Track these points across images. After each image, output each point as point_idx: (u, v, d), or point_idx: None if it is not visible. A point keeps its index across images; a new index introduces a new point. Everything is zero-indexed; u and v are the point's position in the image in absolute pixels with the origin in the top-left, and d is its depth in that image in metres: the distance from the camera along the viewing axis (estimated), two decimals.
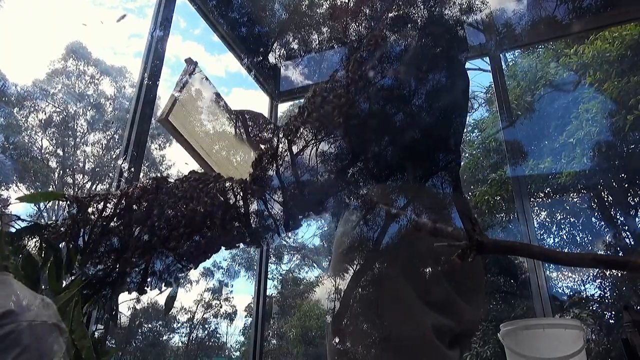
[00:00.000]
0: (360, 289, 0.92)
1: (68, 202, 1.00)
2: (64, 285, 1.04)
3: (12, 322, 1.00)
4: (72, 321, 1.02)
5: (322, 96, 0.81)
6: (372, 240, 0.91)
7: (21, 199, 1.21)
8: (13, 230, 1.06)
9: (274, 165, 0.82)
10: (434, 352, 0.90)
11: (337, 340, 0.93)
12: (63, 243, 1.03)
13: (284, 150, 0.87)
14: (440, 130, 1.04)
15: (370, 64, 0.83)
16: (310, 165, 0.83)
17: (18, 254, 1.04)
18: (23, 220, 1.07)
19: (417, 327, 0.89)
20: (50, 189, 15.75)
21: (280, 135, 0.86)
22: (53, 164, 16.35)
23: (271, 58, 4.29)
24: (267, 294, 3.81)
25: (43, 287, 1.05)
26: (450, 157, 1.10)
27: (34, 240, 1.05)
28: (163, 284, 0.97)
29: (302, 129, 0.81)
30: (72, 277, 1.07)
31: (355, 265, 0.94)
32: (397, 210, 0.88)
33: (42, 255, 1.03)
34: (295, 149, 0.87)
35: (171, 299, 1.08)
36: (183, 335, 19.30)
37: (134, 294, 1.06)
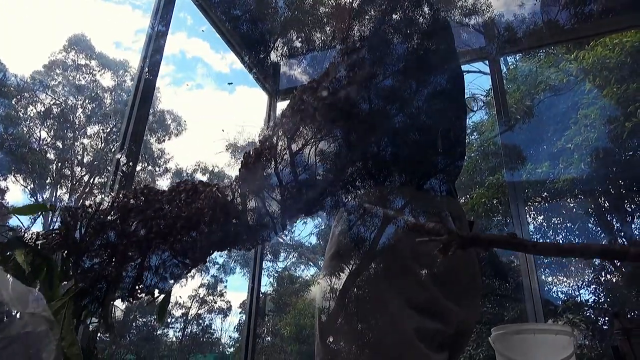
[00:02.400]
0: (342, 292, 0.93)
1: (59, 213, 1.00)
2: (58, 293, 1.05)
3: (1, 312, 1.01)
4: (62, 328, 1.02)
5: (305, 95, 0.81)
6: (358, 243, 0.92)
7: (12, 212, 1.22)
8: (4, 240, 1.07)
9: (263, 162, 0.82)
10: (416, 355, 0.90)
11: (322, 342, 0.94)
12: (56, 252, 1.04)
13: (271, 148, 0.87)
14: (431, 130, 1.03)
15: (354, 62, 0.83)
16: (298, 163, 0.83)
17: (6, 264, 1.05)
18: (14, 230, 1.08)
19: (398, 330, 0.89)
20: (47, 181, 15.72)
21: (265, 133, 0.86)
22: (51, 155, 16.32)
23: (272, 56, 4.29)
24: (262, 291, 3.81)
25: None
26: (445, 159, 1.09)
27: (25, 250, 1.05)
28: (156, 291, 0.97)
29: (285, 128, 0.82)
30: (65, 285, 1.08)
31: (340, 268, 0.94)
32: (383, 211, 0.89)
33: (33, 265, 1.04)
34: (279, 148, 0.88)
35: (163, 308, 1.08)
36: (177, 330, 19.33)
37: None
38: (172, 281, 0.94)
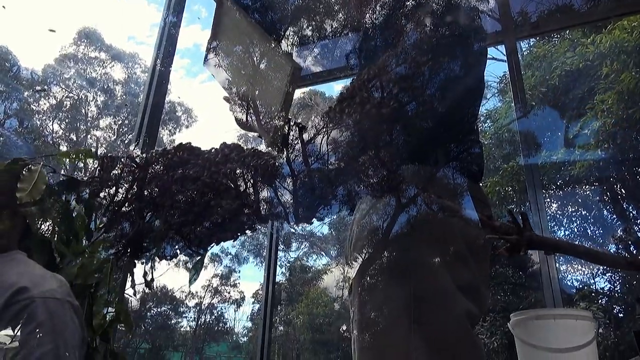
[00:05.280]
0: (391, 271, 0.91)
1: (100, 162, 0.99)
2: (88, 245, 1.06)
3: (26, 298, 1.02)
4: (108, 283, 1.03)
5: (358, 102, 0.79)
6: (400, 221, 0.90)
7: (58, 155, 1.25)
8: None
9: (293, 151, 0.80)
10: (468, 338, 0.90)
11: (362, 325, 0.91)
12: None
13: (299, 136, 0.85)
14: (468, 117, 1.03)
15: (402, 54, 0.81)
16: (337, 148, 0.81)
17: (56, 206, 1.06)
18: (57, 173, 1.09)
19: (452, 312, 0.88)
20: (62, 172, 15.92)
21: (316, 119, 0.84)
22: (64, 148, 16.51)
23: (283, 45, 4.26)
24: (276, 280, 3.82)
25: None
26: (475, 145, 1.08)
27: (70, 195, 1.06)
28: (193, 253, 0.95)
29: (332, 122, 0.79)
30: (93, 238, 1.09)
31: (383, 244, 0.92)
32: (443, 200, 0.87)
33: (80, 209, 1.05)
34: (310, 134, 0.86)
35: (197, 270, 1.09)
36: (191, 319, 19.59)
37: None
38: (209, 246, 0.92)
